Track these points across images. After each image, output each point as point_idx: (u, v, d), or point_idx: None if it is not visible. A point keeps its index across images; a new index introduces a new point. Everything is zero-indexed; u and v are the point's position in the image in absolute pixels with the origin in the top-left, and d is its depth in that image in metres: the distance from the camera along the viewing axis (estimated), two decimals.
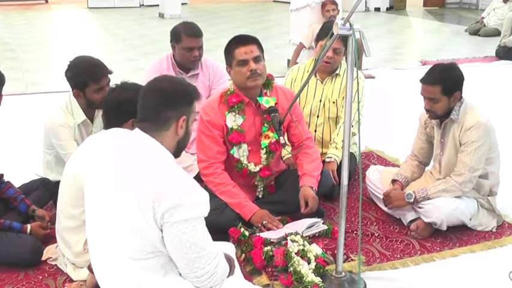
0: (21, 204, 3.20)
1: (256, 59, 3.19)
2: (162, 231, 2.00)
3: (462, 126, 3.22)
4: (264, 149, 3.36)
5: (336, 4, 6.96)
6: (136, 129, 2.12)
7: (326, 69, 3.94)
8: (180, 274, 2.11)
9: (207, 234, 2.08)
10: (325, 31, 3.84)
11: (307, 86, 3.49)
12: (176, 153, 2.17)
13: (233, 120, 3.30)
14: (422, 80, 3.22)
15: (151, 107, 2.12)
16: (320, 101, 3.97)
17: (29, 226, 3.06)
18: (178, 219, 1.96)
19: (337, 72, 3.97)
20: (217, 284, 2.12)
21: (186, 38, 3.92)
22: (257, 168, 3.37)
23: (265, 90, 3.34)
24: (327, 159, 3.82)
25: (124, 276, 2.07)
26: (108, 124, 2.73)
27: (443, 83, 3.15)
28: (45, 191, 3.42)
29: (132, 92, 2.69)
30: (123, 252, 2.05)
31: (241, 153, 3.34)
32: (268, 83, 3.35)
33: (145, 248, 2.03)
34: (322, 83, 3.98)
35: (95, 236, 2.15)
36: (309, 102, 3.98)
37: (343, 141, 2.67)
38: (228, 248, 2.49)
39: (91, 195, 2.16)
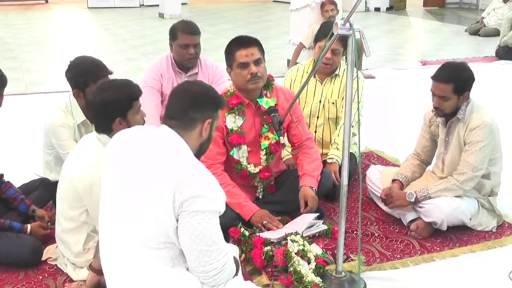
0: (21, 204, 3.20)
1: (257, 62, 3.19)
2: (177, 220, 2.03)
3: (467, 126, 3.22)
4: (264, 150, 3.36)
5: (335, 4, 6.96)
6: (163, 126, 2.20)
7: (325, 71, 3.93)
8: (188, 269, 2.12)
9: (220, 231, 2.11)
10: (323, 32, 3.84)
11: (306, 86, 3.49)
12: (197, 155, 2.23)
13: (233, 122, 3.30)
14: (434, 77, 3.21)
15: (179, 107, 2.22)
16: (320, 101, 3.97)
17: (29, 226, 3.06)
18: (196, 209, 2.01)
19: (337, 72, 3.97)
20: (222, 283, 2.14)
21: (181, 35, 3.92)
22: (257, 170, 3.37)
23: (265, 91, 3.35)
24: (329, 160, 3.82)
25: (134, 263, 2.09)
26: (97, 127, 2.74)
27: (456, 81, 3.15)
28: (45, 191, 3.42)
29: (111, 91, 2.68)
30: (137, 239, 2.08)
31: (241, 154, 3.34)
32: (269, 84, 3.35)
33: (159, 237, 2.06)
34: (321, 84, 3.98)
35: (109, 222, 2.17)
36: (309, 103, 3.98)
37: (343, 141, 2.67)
38: (232, 250, 2.49)
39: (110, 181, 2.18)
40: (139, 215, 2.07)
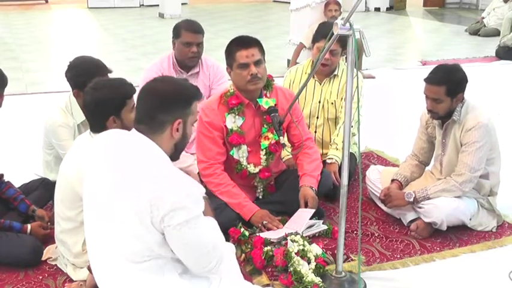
0: (21, 204, 3.20)
1: (257, 63, 3.19)
2: (162, 234, 2.00)
3: (463, 127, 3.22)
4: (264, 150, 3.36)
5: (339, 5, 6.94)
6: (133, 130, 2.11)
7: (323, 72, 3.93)
8: (179, 274, 2.11)
9: (207, 226, 2.09)
10: (321, 33, 3.84)
11: (306, 87, 3.49)
12: (174, 156, 2.14)
13: (233, 122, 3.30)
14: (427, 80, 3.21)
15: (146, 110, 2.10)
16: (319, 102, 3.97)
17: (29, 226, 3.06)
18: (179, 221, 1.95)
19: (335, 73, 3.96)
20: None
21: (184, 33, 3.92)
22: (257, 170, 3.37)
23: (265, 91, 3.34)
24: (328, 161, 3.82)
25: (123, 278, 2.07)
26: (92, 126, 2.74)
27: (448, 84, 3.15)
28: (45, 191, 3.42)
29: (103, 90, 2.68)
30: (121, 255, 2.05)
31: (240, 154, 3.34)
32: (268, 84, 3.35)
33: (142, 251, 2.03)
34: (320, 84, 3.98)
35: (93, 239, 2.15)
36: (308, 103, 3.98)
37: (343, 141, 2.67)
38: (229, 248, 2.49)
39: (88, 198, 2.15)
40: (119, 232, 2.03)
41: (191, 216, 1.97)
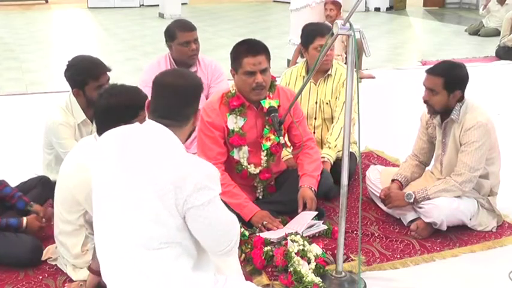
0: (19, 202, 3.16)
1: (264, 71, 3.16)
2: (183, 218, 2.02)
3: (462, 127, 3.22)
4: (265, 151, 3.36)
5: (337, 5, 6.91)
6: (150, 121, 2.14)
7: (326, 67, 3.91)
8: (191, 268, 2.10)
9: (224, 206, 2.13)
10: (312, 35, 3.82)
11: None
12: (184, 141, 2.22)
13: (234, 122, 3.29)
14: (428, 70, 3.24)
15: (170, 107, 2.15)
16: (316, 103, 3.97)
17: (25, 219, 3.03)
18: (203, 201, 2.00)
19: (329, 72, 3.95)
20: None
21: (181, 33, 3.97)
22: (257, 170, 3.37)
23: (268, 92, 3.31)
24: (321, 159, 3.79)
25: (133, 265, 2.07)
26: (99, 129, 2.71)
27: (447, 76, 3.16)
28: (44, 189, 3.38)
29: (119, 97, 2.65)
30: (137, 241, 2.05)
31: (241, 155, 3.34)
32: (271, 84, 3.32)
33: (160, 237, 2.04)
34: (316, 85, 3.97)
35: (105, 225, 2.14)
36: (305, 105, 3.96)
37: (343, 141, 2.66)
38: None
39: (100, 187, 2.15)
40: (139, 217, 2.04)
41: (213, 195, 2.03)
